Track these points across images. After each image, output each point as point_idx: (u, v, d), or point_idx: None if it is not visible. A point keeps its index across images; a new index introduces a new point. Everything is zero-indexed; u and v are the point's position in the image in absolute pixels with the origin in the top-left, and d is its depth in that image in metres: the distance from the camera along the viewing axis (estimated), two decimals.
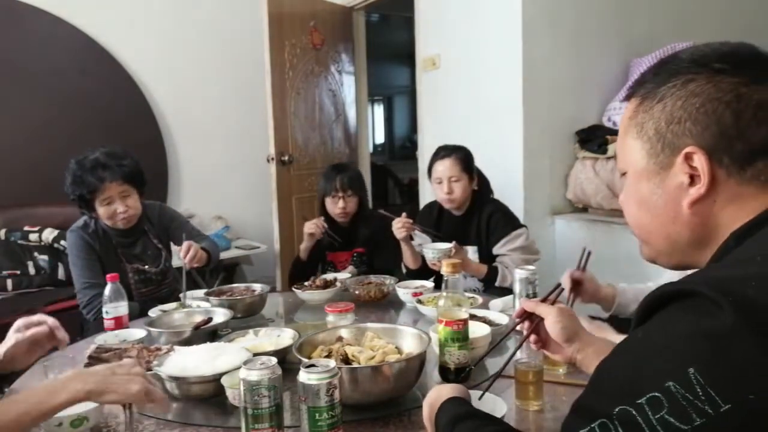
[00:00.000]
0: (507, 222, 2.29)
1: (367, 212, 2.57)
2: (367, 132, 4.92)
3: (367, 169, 4.70)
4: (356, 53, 4.49)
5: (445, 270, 1.27)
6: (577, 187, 3.16)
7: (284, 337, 1.50)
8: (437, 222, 2.43)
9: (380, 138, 9.67)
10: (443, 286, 1.29)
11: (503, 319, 1.64)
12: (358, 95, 4.56)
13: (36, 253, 3.19)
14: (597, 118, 3.21)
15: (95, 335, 1.70)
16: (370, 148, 5.79)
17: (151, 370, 1.30)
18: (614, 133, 2.93)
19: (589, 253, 1.25)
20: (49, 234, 3.22)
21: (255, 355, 1.30)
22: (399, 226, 2.28)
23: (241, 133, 4.25)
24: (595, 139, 3.06)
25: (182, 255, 2.00)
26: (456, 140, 2.43)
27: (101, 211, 2.08)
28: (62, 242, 3.11)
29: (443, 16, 3.55)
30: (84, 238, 2.12)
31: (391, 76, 8.70)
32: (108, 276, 1.81)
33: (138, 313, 1.96)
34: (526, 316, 1.13)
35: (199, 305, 1.90)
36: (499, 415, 1.08)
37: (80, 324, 2.21)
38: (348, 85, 4.44)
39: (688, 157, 0.68)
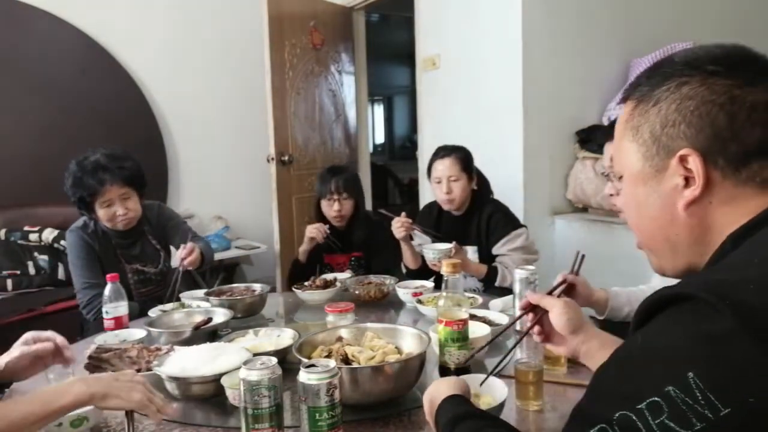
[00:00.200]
0: (507, 222, 2.29)
1: (363, 215, 2.56)
2: (367, 132, 4.92)
3: (367, 169, 4.70)
4: (356, 53, 4.49)
5: (445, 270, 1.27)
6: (577, 187, 3.16)
7: (284, 337, 1.50)
8: (437, 222, 2.43)
9: (380, 138, 9.67)
10: (443, 286, 1.29)
11: (503, 319, 1.64)
12: (358, 95, 4.56)
13: (36, 253, 3.19)
14: (597, 118, 3.21)
15: (95, 335, 1.70)
16: (370, 148, 5.79)
17: (151, 370, 1.30)
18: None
19: (583, 257, 1.25)
20: (49, 234, 3.22)
21: (255, 355, 1.30)
22: (398, 225, 2.28)
23: (241, 133, 4.25)
24: (595, 139, 3.06)
25: (182, 256, 2.00)
26: (456, 140, 2.43)
27: (101, 213, 2.08)
28: (62, 242, 3.11)
29: (443, 16, 3.55)
30: (83, 238, 2.12)
31: (391, 76, 8.70)
32: (108, 276, 1.80)
33: (138, 313, 1.96)
34: (530, 308, 1.13)
35: (199, 305, 1.90)
36: (500, 400, 1.09)
37: (80, 324, 2.21)
38: (348, 85, 4.44)
39: (683, 159, 0.68)
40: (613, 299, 1.57)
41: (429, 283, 2.08)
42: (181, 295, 2.04)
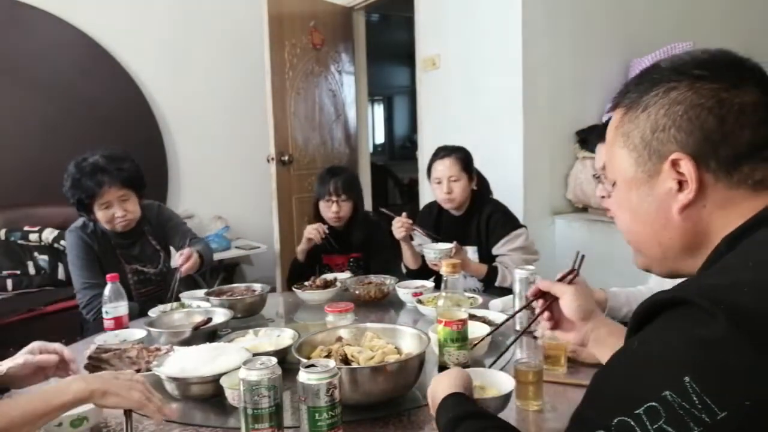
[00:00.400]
0: (507, 222, 2.29)
1: (362, 216, 2.55)
2: (367, 132, 4.92)
3: (367, 169, 4.70)
4: (356, 53, 4.49)
5: (444, 270, 1.27)
6: (577, 187, 3.16)
7: (284, 337, 1.51)
8: (437, 222, 2.43)
9: (380, 138, 9.66)
10: (443, 286, 1.29)
11: (502, 319, 1.63)
12: (358, 95, 4.56)
13: (36, 253, 3.19)
14: (597, 118, 3.21)
15: (95, 335, 1.70)
16: (370, 148, 5.79)
17: (150, 371, 1.30)
18: None
19: (583, 257, 1.25)
20: (49, 234, 3.22)
21: (255, 355, 1.30)
22: (398, 225, 2.28)
23: (241, 133, 4.25)
24: (596, 139, 3.05)
25: (180, 262, 2.00)
26: (456, 140, 2.43)
27: (100, 215, 2.07)
28: (62, 242, 3.11)
29: (443, 16, 3.55)
30: (83, 238, 2.11)
31: (391, 76, 8.69)
32: (108, 276, 1.81)
33: (137, 313, 1.96)
34: (540, 294, 1.13)
35: (199, 305, 1.90)
36: (506, 391, 1.08)
37: (80, 324, 2.21)
38: (348, 85, 4.44)
39: (674, 164, 0.69)
40: (612, 299, 1.57)
41: (429, 283, 2.08)
42: (181, 295, 2.04)
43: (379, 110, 9.54)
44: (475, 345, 1.21)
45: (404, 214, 2.30)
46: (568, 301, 1.06)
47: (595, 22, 3.21)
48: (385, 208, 2.44)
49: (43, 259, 3.19)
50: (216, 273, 3.92)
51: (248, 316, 1.91)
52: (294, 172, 3.98)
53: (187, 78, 4.07)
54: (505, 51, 3.11)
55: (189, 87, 4.08)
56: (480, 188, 2.39)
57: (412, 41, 3.88)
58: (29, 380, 1.24)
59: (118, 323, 1.77)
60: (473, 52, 3.34)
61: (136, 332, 1.67)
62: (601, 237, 2.90)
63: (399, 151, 9.38)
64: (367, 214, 2.67)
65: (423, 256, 2.29)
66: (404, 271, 2.44)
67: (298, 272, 2.45)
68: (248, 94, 4.16)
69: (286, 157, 3.90)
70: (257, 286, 2.04)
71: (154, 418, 1.07)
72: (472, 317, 1.61)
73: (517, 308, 1.66)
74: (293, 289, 2.09)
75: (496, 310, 1.76)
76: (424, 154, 3.67)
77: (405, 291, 1.97)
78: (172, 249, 2.30)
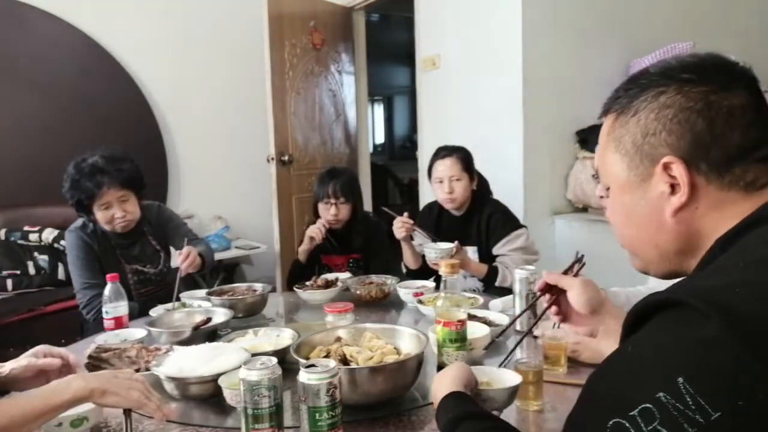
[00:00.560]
0: (507, 222, 2.29)
1: (361, 217, 2.55)
2: (367, 132, 4.92)
3: (367, 169, 4.70)
4: (356, 53, 4.49)
5: (443, 270, 1.26)
6: (577, 187, 3.16)
7: (284, 337, 1.50)
8: (437, 222, 2.43)
9: (380, 138, 9.65)
10: (441, 286, 1.29)
11: (503, 320, 1.63)
12: (358, 95, 4.56)
13: (36, 253, 3.19)
14: (597, 118, 3.20)
15: (95, 335, 1.70)
16: (370, 148, 5.79)
17: (149, 370, 1.31)
18: None
19: (582, 257, 1.25)
20: (49, 234, 3.22)
21: (254, 355, 1.30)
22: (399, 225, 2.28)
23: (241, 133, 4.24)
24: (595, 139, 3.05)
25: (180, 261, 2.00)
26: (456, 140, 2.43)
27: (99, 215, 2.07)
28: (62, 242, 3.11)
29: (443, 16, 3.55)
30: (83, 238, 2.11)
31: (391, 76, 8.69)
32: (108, 276, 1.80)
33: (137, 313, 1.95)
34: (547, 288, 1.12)
35: (200, 305, 1.90)
36: (515, 383, 1.08)
37: (80, 324, 2.21)
38: (348, 85, 4.44)
39: (666, 167, 0.69)
40: (612, 299, 1.57)
41: (430, 284, 2.08)
42: (180, 295, 2.04)
43: (379, 110, 9.53)
44: (489, 345, 1.18)
45: (406, 214, 2.30)
46: (575, 294, 1.06)
47: (595, 22, 3.21)
48: (386, 208, 2.44)
49: (43, 259, 3.19)
50: (216, 273, 3.92)
51: (249, 315, 1.91)
52: (294, 172, 3.98)
53: (187, 78, 4.07)
54: (505, 51, 3.11)
55: (189, 87, 4.08)
56: (480, 188, 2.40)
57: (412, 41, 3.88)
58: (31, 383, 1.24)
59: (118, 323, 1.77)
60: (473, 52, 3.34)
61: (137, 332, 1.67)
62: (601, 237, 2.90)
63: (399, 151, 9.37)
64: (367, 215, 2.67)
65: (423, 256, 2.29)
66: (404, 271, 2.44)
67: (299, 273, 2.45)
68: (248, 94, 4.16)
69: (286, 157, 3.90)
70: (258, 286, 2.04)
71: (155, 417, 1.07)
72: (473, 317, 1.61)
73: (517, 308, 1.66)
74: (294, 288, 2.08)
75: (496, 310, 1.76)
76: (424, 154, 3.67)
77: (406, 291, 1.97)
78: (172, 249, 2.30)
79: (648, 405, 0.53)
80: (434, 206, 2.47)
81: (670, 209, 0.70)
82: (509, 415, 1.12)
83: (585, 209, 3.23)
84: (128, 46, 3.87)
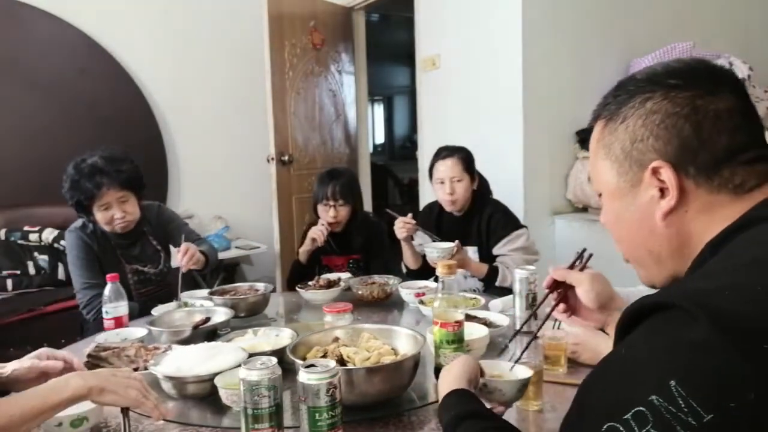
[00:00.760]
0: (508, 222, 2.30)
1: (361, 218, 2.54)
2: (367, 132, 4.92)
3: (367, 169, 4.70)
4: (356, 53, 4.49)
5: (440, 271, 1.25)
6: (577, 187, 3.16)
7: (283, 337, 1.50)
8: (437, 222, 2.43)
9: (380, 138, 9.65)
10: (439, 287, 1.28)
11: (504, 321, 1.63)
12: (358, 95, 4.56)
13: (36, 253, 3.19)
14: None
15: (95, 335, 1.70)
16: (370, 148, 5.78)
17: (147, 369, 1.31)
18: None
19: (581, 251, 1.24)
20: (49, 234, 3.22)
21: (252, 355, 1.30)
22: (400, 226, 2.28)
23: (241, 133, 4.25)
24: None
25: (180, 257, 2.00)
26: (456, 140, 2.43)
27: (99, 216, 2.06)
28: (62, 242, 3.11)
29: (443, 16, 3.55)
30: (82, 238, 2.11)
31: (391, 76, 8.69)
32: (108, 276, 1.80)
33: (137, 313, 1.95)
34: (555, 285, 1.11)
35: (202, 304, 1.90)
36: (526, 376, 1.06)
37: (80, 324, 2.21)
38: (348, 85, 4.44)
39: (655, 172, 0.70)
40: None
41: (433, 284, 2.07)
42: (181, 295, 2.04)
43: (379, 110, 9.53)
44: (503, 351, 1.13)
45: (410, 215, 2.30)
46: (585, 290, 1.05)
47: (595, 22, 3.21)
48: (389, 209, 2.44)
49: (43, 259, 3.19)
50: (216, 273, 3.92)
51: (251, 315, 1.91)
52: (294, 172, 3.98)
53: (187, 78, 4.07)
54: (505, 51, 3.11)
55: (189, 87, 4.08)
56: (480, 188, 2.39)
57: (412, 41, 3.88)
58: (32, 385, 1.23)
59: (118, 323, 1.77)
60: (473, 52, 3.34)
61: (138, 330, 1.68)
62: (601, 237, 2.88)
63: (399, 151, 9.38)
64: (367, 216, 2.66)
65: (423, 256, 2.29)
66: (404, 270, 2.44)
67: (299, 273, 2.45)
68: (248, 94, 4.16)
69: (286, 157, 3.90)
70: (260, 286, 2.03)
71: (152, 416, 1.07)
72: (473, 318, 1.61)
73: (517, 308, 1.66)
74: (297, 288, 2.08)
75: (496, 310, 1.76)
76: (424, 154, 3.67)
77: (408, 291, 1.97)
78: (173, 249, 2.30)
79: (641, 408, 0.53)
80: (434, 206, 2.47)
81: (660, 213, 0.71)
82: (509, 415, 1.12)
83: (585, 209, 3.23)
84: (128, 46, 3.87)
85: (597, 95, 0.84)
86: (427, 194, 3.43)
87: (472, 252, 2.27)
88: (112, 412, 1.18)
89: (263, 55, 3.75)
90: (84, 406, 1.10)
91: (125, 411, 1.07)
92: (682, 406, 0.51)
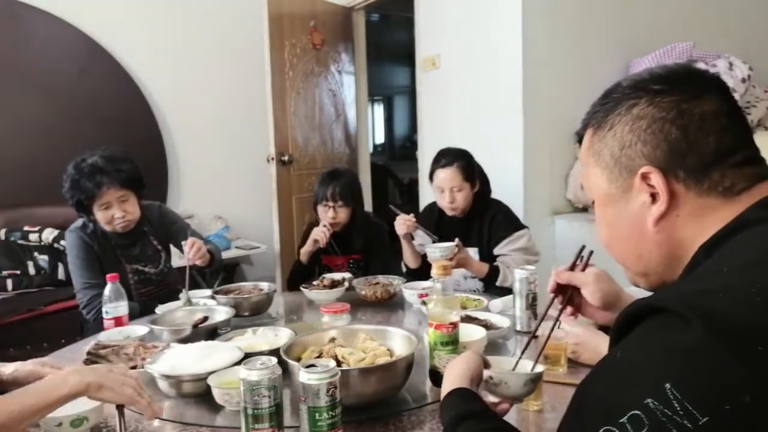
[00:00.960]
0: (509, 223, 2.30)
1: (361, 218, 2.53)
2: (367, 132, 4.92)
3: (367, 169, 4.70)
4: (356, 53, 4.49)
5: (435, 272, 1.25)
6: (577, 187, 3.16)
7: (281, 336, 1.50)
8: (438, 223, 2.42)
9: (380, 138, 9.65)
10: (434, 288, 1.27)
11: (504, 322, 1.62)
12: (358, 95, 4.56)
13: (36, 253, 3.19)
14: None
15: (95, 335, 1.70)
16: (370, 148, 5.78)
17: (143, 367, 1.31)
18: None
19: (582, 252, 1.23)
20: (49, 234, 3.22)
21: (249, 354, 1.30)
22: (401, 222, 2.28)
23: (241, 133, 4.25)
24: None
25: (186, 249, 2.00)
26: (456, 140, 2.43)
27: (99, 215, 2.07)
28: (62, 242, 3.11)
29: (443, 16, 3.55)
30: (83, 238, 2.11)
31: (391, 76, 8.69)
32: (108, 276, 1.80)
33: (138, 313, 1.95)
34: (560, 289, 1.08)
35: (205, 303, 1.91)
36: (537, 370, 1.03)
37: (80, 324, 2.21)
38: (348, 85, 4.44)
39: (645, 177, 0.71)
40: None
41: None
42: (180, 294, 2.04)
43: (379, 110, 9.53)
44: (517, 362, 1.11)
45: (412, 214, 2.31)
46: (591, 291, 1.04)
47: (595, 22, 3.21)
48: (393, 206, 2.44)
49: (43, 259, 3.19)
50: (216, 273, 3.91)
51: (254, 314, 1.91)
52: (294, 172, 3.98)
53: (187, 78, 4.07)
54: (505, 51, 3.11)
55: (189, 87, 4.08)
56: (482, 190, 2.38)
57: (412, 41, 3.87)
58: None
59: (118, 323, 1.77)
60: (473, 52, 3.34)
61: (139, 329, 1.68)
62: None
63: (399, 151, 9.38)
64: (368, 216, 2.66)
65: (423, 256, 2.29)
66: (404, 270, 2.44)
67: (300, 273, 2.45)
68: (248, 94, 4.16)
69: (286, 157, 3.90)
70: (264, 285, 2.04)
71: (145, 414, 1.06)
72: (473, 320, 1.61)
73: (517, 308, 1.66)
74: (301, 288, 2.08)
75: (496, 310, 1.76)
76: (424, 154, 3.67)
77: (411, 292, 1.97)
78: (173, 249, 2.30)
79: (637, 411, 0.53)
80: (435, 207, 2.46)
81: (652, 218, 0.71)
82: (509, 415, 1.12)
83: (585, 209, 3.23)
84: (128, 46, 3.87)
85: (597, 95, 0.84)
86: (427, 194, 3.43)
87: (472, 253, 2.27)
88: (112, 412, 1.18)
89: (263, 55, 3.75)
90: (84, 406, 1.10)
91: (121, 409, 1.07)
92: (678, 408, 0.51)
